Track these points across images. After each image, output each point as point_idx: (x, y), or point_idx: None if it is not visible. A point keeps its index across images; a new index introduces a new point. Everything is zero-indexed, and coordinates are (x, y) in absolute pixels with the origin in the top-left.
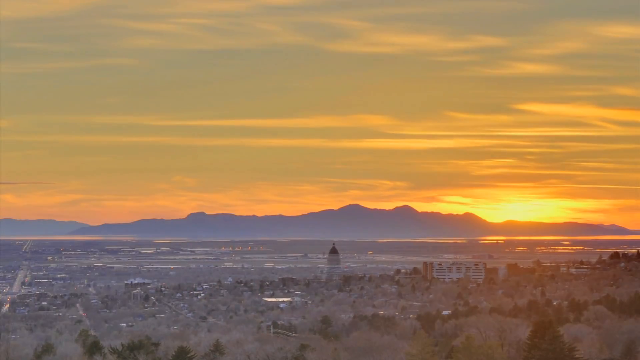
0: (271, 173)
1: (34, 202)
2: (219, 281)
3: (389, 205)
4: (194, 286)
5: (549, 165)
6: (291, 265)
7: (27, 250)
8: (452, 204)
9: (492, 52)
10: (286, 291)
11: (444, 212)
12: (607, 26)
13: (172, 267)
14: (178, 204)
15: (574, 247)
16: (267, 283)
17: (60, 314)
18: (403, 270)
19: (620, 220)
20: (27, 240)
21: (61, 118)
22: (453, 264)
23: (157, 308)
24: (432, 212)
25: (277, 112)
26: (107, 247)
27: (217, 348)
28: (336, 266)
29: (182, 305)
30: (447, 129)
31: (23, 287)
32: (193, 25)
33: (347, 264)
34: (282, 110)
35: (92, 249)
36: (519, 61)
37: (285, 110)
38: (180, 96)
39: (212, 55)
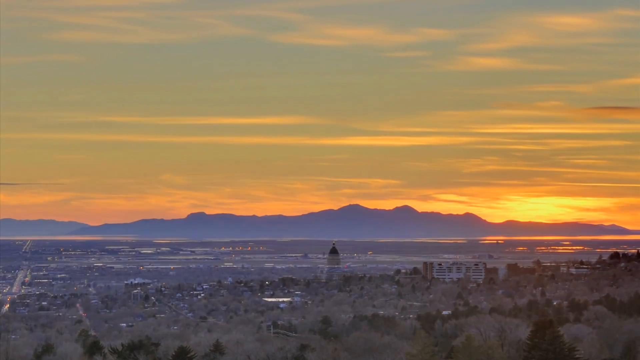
0: (257, 171)
1: (33, 202)
2: (219, 281)
3: (388, 205)
4: (194, 286)
5: (537, 162)
6: (291, 265)
7: (27, 250)
8: (448, 202)
9: (442, 46)
10: (286, 291)
11: (444, 212)
12: (555, 18)
13: (172, 267)
14: (171, 202)
15: (574, 247)
16: (267, 283)
17: (60, 314)
18: (403, 270)
19: (613, 217)
20: (27, 240)
21: (28, 115)
22: (453, 264)
23: (157, 308)
24: (432, 212)
25: (246, 110)
26: (107, 247)
27: (217, 348)
28: (336, 266)
29: (182, 305)
30: (422, 125)
31: (23, 287)
32: (124, 19)
33: (347, 264)
34: (251, 108)
35: (92, 249)
36: (471, 56)
37: (254, 108)
38: (142, 93)
39: (156, 49)
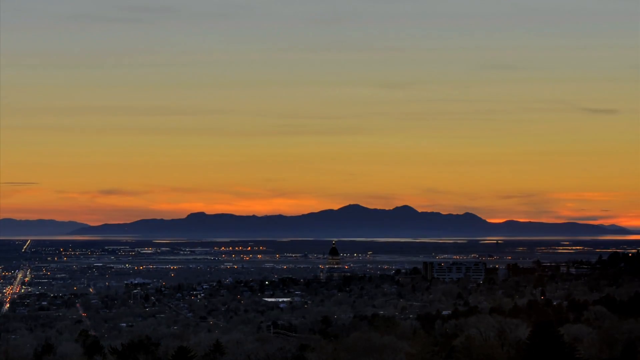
0: (256, 170)
1: (33, 202)
2: (219, 281)
3: (388, 205)
4: (194, 286)
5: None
6: (291, 265)
7: (27, 250)
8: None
9: None
10: (286, 291)
11: (444, 212)
12: None
13: (172, 267)
14: (170, 202)
15: (574, 247)
16: (267, 283)
17: (60, 314)
18: (403, 270)
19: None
20: (27, 240)
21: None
22: (453, 264)
23: (157, 308)
24: (432, 212)
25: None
26: (107, 247)
27: (217, 348)
28: (336, 266)
29: (182, 305)
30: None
31: (23, 287)
32: None
33: (347, 264)
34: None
35: (92, 249)
36: None
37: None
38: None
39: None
